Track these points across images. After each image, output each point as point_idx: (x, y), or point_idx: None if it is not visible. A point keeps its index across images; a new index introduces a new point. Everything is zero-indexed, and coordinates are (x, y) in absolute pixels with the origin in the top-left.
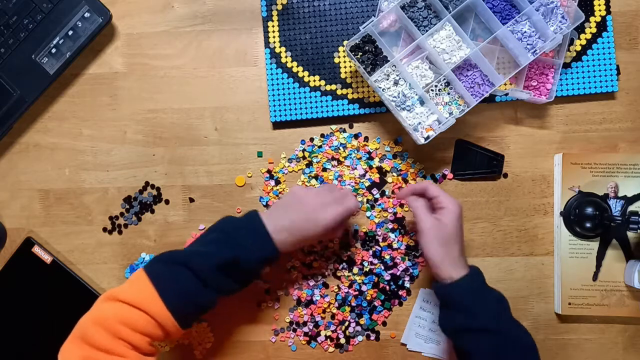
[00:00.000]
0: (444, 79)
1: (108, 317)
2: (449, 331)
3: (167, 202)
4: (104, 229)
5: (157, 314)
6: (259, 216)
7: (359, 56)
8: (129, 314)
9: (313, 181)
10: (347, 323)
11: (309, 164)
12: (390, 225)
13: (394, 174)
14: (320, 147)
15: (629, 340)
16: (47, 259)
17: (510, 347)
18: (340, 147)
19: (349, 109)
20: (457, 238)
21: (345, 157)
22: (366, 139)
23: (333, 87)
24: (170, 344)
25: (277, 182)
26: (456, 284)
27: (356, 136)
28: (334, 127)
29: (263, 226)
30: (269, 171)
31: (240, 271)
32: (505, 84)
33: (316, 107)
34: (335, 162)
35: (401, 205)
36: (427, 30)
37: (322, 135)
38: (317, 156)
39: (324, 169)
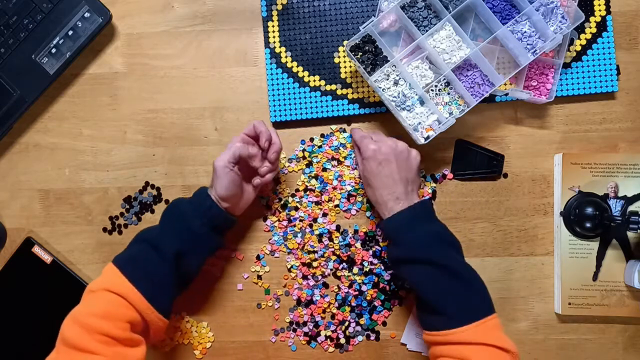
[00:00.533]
0: (444, 79)
1: (80, 311)
2: (390, 263)
3: (167, 202)
4: (104, 229)
5: (118, 288)
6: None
7: (359, 56)
8: (96, 300)
9: (313, 181)
10: (347, 323)
11: (309, 164)
12: None
13: None
14: (320, 147)
15: (629, 340)
16: (47, 259)
17: (445, 276)
18: (340, 147)
19: (349, 109)
20: (379, 180)
21: (345, 157)
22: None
23: (333, 87)
24: (155, 336)
25: (277, 182)
26: (391, 218)
27: None
28: (334, 127)
29: (203, 190)
30: None
31: (187, 235)
32: (505, 84)
33: (316, 107)
34: (335, 162)
35: None
36: (427, 30)
37: (322, 135)
38: (317, 156)
39: (324, 169)
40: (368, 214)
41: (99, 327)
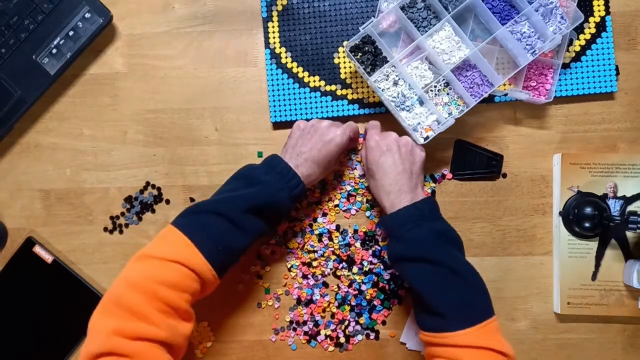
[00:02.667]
0: (444, 79)
1: (143, 276)
2: (391, 261)
3: (167, 202)
4: (105, 229)
5: (194, 264)
6: (279, 156)
7: (358, 57)
8: (164, 269)
9: None
10: (346, 322)
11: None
12: None
13: None
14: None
15: (628, 340)
16: (48, 258)
17: (446, 275)
18: None
19: (348, 110)
20: (382, 170)
21: (344, 155)
22: None
23: (333, 87)
24: (202, 297)
25: None
26: (395, 213)
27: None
28: None
29: (285, 164)
30: None
31: (271, 212)
32: (504, 85)
33: (316, 107)
34: None
35: None
36: (426, 31)
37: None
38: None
39: None
40: (368, 213)
41: (165, 296)
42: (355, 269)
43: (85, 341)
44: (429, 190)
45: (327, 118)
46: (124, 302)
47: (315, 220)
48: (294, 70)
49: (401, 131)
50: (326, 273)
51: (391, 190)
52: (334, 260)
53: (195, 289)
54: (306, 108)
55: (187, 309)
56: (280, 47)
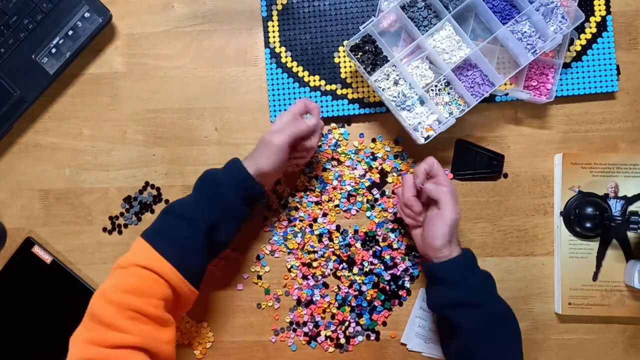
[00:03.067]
0: (444, 78)
1: (110, 287)
2: (440, 306)
3: (167, 202)
4: (104, 229)
5: (150, 263)
6: (241, 163)
7: (359, 56)
8: (127, 276)
9: (313, 181)
10: (347, 323)
11: (309, 164)
12: (390, 225)
13: (394, 174)
14: (320, 147)
15: (628, 340)
16: (47, 259)
17: (496, 322)
18: (339, 144)
19: (349, 109)
20: (456, 216)
21: (344, 155)
22: (373, 140)
23: (333, 87)
24: (184, 308)
25: (277, 182)
26: (452, 260)
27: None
28: (333, 124)
29: (237, 160)
30: None
31: (232, 221)
32: (505, 84)
33: None
34: (335, 162)
35: None
36: (427, 30)
37: (321, 135)
38: (316, 156)
39: (324, 169)
40: (368, 214)
41: (131, 304)
42: (355, 270)
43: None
44: None
45: (328, 118)
46: (96, 314)
47: (315, 220)
48: (294, 69)
49: (402, 131)
50: (326, 274)
51: (447, 239)
52: (334, 261)
53: (164, 293)
54: None
55: (159, 314)
56: (280, 47)
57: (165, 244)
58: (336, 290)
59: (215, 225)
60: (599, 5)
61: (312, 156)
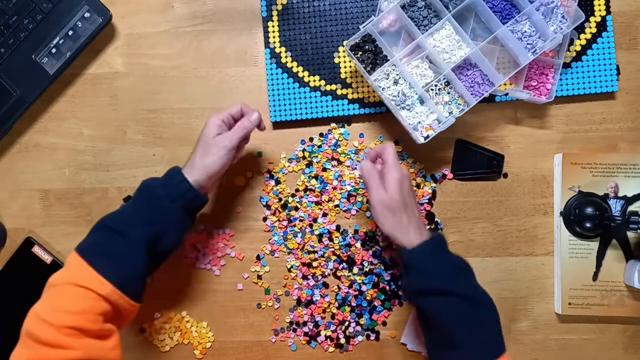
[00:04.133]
0: (444, 78)
1: (44, 307)
2: (411, 294)
3: None
4: None
5: (83, 279)
6: (181, 173)
7: (359, 55)
8: (61, 295)
9: (313, 181)
10: (347, 323)
11: (309, 164)
12: None
13: None
14: (320, 146)
15: (629, 340)
16: (47, 259)
17: (469, 307)
18: (339, 144)
19: (349, 109)
20: (403, 206)
21: (344, 155)
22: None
23: (333, 87)
24: (125, 321)
25: (277, 182)
26: (416, 249)
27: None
28: (333, 124)
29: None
30: (269, 171)
31: (175, 232)
32: (505, 84)
33: (316, 107)
34: (335, 162)
35: None
36: (427, 30)
37: (321, 135)
38: (317, 156)
39: (324, 169)
40: (368, 214)
41: (69, 322)
42: (355, 270)
43: None
44: (430, 191)
45: (328, 118)
46: (33, 335)
47: (315, 220)
48: (294, 69)
49: (402, 130)
50: (326, 274)
51: (410, 224)
52: (334, 261)
53: (102, 309)
54: (306, 108)
55: (99, 327)
56: (280, 47)
57: (103, 260)
58: (336, 290)
59: (156, 238)
60: (599, 5)
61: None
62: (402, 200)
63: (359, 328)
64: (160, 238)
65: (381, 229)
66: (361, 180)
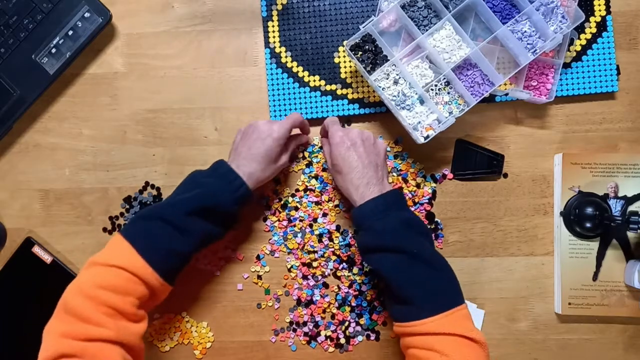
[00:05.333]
0: (444, 78)
1: (87, 282)
2: (360, 252)
3: None
4: (104, 229)
5: (133, 267)
6: (223, 160)
7: (359, 55)
8: (106, 274)
9: (313, 181)
10: (347, 323)
11: (309, 164)
12: None
13: (394, 174)
14: (320, 147)
15: (629, 340)
16: (47, 259)
17: (419, 265)
18: None
19: (349, 109)
20: (348, 164)
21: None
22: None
23: (333, 87)
24: (157, 302)
25: (277, 182)
26: (362, 205)
27: None
28: None
29: (227, 166)
30: None
31: (215, 213)
32: (505, 84)
33: (316, 107)
34: None
35: None
36: (427, 30)
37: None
38: (317, 156)
39: (324, 169)
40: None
41: (109, 301)
42: (355, 270)
43: (40, 348)
44: (430, 191)
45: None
46: (71, 308)
47: (315, 220)
48: (294, 69)
49: (402, 130)
50: (326, 274)
51: (359, 184)
52: (334, 261)
53: (141, 293)
54: (306, 108)
55: (135, 311)
56: (280, 47)
57: (150, 247)
58: (336, 290)
59: (208, 234)
60: (599, 5)
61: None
62: (345, 161)
63: (359, 328)
64: (210, 234)
65: (339, 189)
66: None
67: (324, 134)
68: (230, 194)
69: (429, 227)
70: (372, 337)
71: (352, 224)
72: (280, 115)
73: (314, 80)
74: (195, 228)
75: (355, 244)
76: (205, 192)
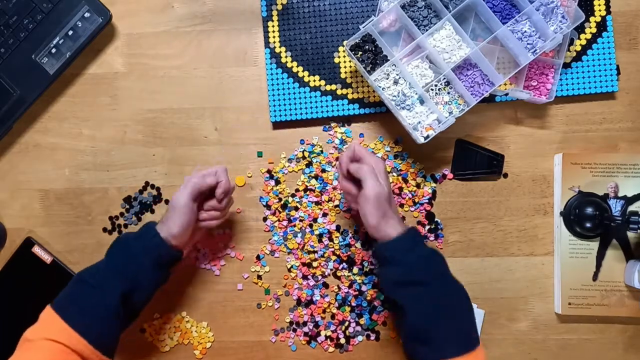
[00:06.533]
0: (444, 78)
1: None
2: (387, 286)
3: (167, 202)
4: (104, 229)
5: (67, 340)
6: (152, 223)
7: (359, 55)
8: (38, 352)
9: (313, 181)
10: (347, 323)
11: (309, 164)
12: None
13: (394, 174)
14: (322, 151)
15: (629, 340)
16: (47, 259)
17: (442, 298)
18: (345, 142)
19: (349, 109)
20: (391, 197)
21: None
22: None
23: (333, 87)
24: None
25: (277, 182)
26: (395, 241)
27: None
28: (334, 123)
29: (151, 225)
30: (269, 171)
31: (146, 288)
32: (505, 84)
33: (316, 107)
34: (337, 163)
35: (401, 205)
36: (427, 30)
37: (327, 142)
38: (317, 156)
39: (323, 170)
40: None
41: None
42: (355, 270)
43: None
44: (430, 191)
45: (327, 118)
46: None
47: (315, 220)
48: (294, 69)
49: (402, 130)
50: (326, 274)
51: (391, 217)
52: (334, 261)
53: None
54: (306, 107)
55: None
56: (280, 47)
57: (77, 315)
58: (336, 290)
59: (130, 293)
60: (599, 5)
61: (225, 218)
62: (390, 191)
63: (359, 328)
64: (134, 291)
65: (368, 221)
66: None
67: (345, 172)
68: (147, 251)
69: (431, 226)
70: (372, 337)
71: (372, 259)
72: (281, 116)
73: (314, 80)
74: (113, 286)
75: (378, 279)
76: (122, 252)
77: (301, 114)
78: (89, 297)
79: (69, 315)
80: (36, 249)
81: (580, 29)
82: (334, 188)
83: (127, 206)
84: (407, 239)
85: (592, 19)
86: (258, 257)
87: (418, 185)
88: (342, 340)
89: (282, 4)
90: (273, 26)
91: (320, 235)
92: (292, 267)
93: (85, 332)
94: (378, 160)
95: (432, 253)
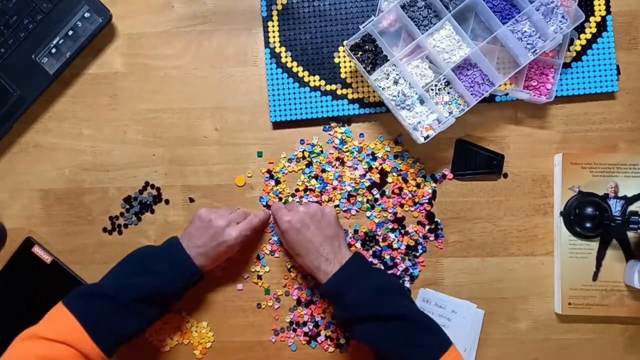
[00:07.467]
0: (444, 78)
1: (28, 356)
2: (340, 326)
3: (167, 202)
4: (104, 229)
5: (82, 347)
6: (179, 243)
7: (359, 55)
8: (51, 350)
9: (313, 181)
10: None
11: (309, 164)
12: (390, 225)
13: (394, 174)
14: (322, 151)
15: (629, 340)
16: (47, 259)
17: (397, 326)
18: (345, 142)
19: (349, 109)
20: (303, 247)
21: (349, 153)
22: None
23: (333, 87)
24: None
25: (277, 182)
26: (326, 283)
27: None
28: (333, 123)
29: (184, 253)
30: (269, 171)
31: (164, 299)
32: (505, 84)
33: (316, 107)
34: (337, 163)
35: (401, 205)
36: (427, 30)
37: (327, 142)
38: (317, 156)
39: (323, 170)
40: (368, 214)
41: None
42: None
43: None
44: (430, 191)
45: (328, 118)
46: None
47: None
48: (294, 69)
49: (402, 130)
50: None
51: (319, 264)
52: None
53: None
54: (306, 107)
55: None
56: (280, 47)
57: (94, 322)
58: None
59: (154, 318)
60: (599, 5)
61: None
62: (300, 244)
63: None
64: (160, 314)
65: (305, 265)
66: (362, 181)
67: (274, 220)
68: (182, 283)
69: (431, 226)
70: None
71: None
72: (281, 116)
73: (314, 80)
74: (142, 312)
75: (333, 318)
76: (158, 281)
77: (301, 114)
78: (125, 320)
79: (97, 335)
80: (36, 249)
81: (580, 29)
82: (334, 188)
83: (127, 206)
84: (342, 278)
85: (592, 19)
86: (258, 257)
87: (418, 185)
88: (342, 340)
89: (282, 4)
90: (273, 26)
91: None
92: (292, 267)
93: (106, 349)
94: (281, 220)
95: (371, 286)
